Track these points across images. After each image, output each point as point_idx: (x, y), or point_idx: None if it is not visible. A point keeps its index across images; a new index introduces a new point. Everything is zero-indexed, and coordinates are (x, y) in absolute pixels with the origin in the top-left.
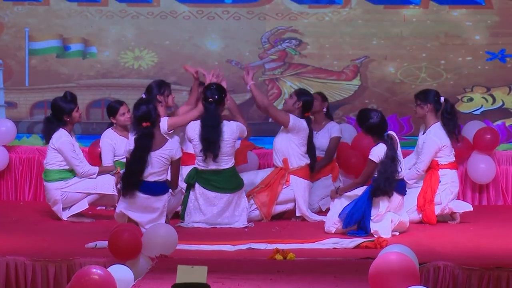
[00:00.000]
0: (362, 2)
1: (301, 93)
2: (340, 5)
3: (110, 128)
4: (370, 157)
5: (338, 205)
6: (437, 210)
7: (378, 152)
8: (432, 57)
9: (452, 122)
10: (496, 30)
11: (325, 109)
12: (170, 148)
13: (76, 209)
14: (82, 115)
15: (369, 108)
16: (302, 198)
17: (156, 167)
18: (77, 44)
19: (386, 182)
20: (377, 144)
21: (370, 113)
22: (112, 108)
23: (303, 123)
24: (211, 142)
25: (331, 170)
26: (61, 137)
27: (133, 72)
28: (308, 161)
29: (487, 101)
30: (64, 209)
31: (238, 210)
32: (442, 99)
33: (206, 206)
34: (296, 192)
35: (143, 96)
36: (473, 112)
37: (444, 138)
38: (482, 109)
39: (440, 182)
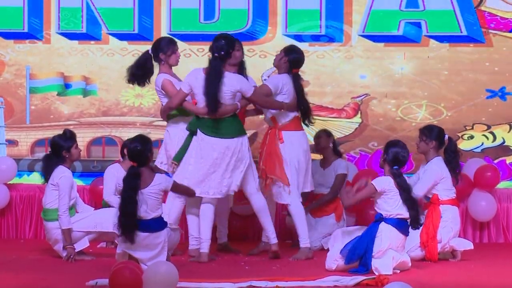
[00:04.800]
0: (363, 40)
1: (289, 50)
2: (340, 43)
3: (117, 163)
4: (373, 181)
5: (340, 242)
6: (438, 248)
7: (382, 182)
8: (432, 94)
9: (454, 161)
10: (496, 68)
11: (331, 144)
12: (159, 183)
13: (77, 247)
14: (83, 153)
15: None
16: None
17: (150, 204)
18: (78, 82)
19: (418, 209)
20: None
21: (399, 141)
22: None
23: (280, 80)
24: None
25: (334, 209)
26: (63, 173)
27: (133, 110)
28: (297, 114)
29: (487, 138)
30: None
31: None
32: (446, 137)
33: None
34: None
35: (149, 51)
36: (474, 150)
37: (445, 170)
38: (482, 147)
39: (441, 217)
